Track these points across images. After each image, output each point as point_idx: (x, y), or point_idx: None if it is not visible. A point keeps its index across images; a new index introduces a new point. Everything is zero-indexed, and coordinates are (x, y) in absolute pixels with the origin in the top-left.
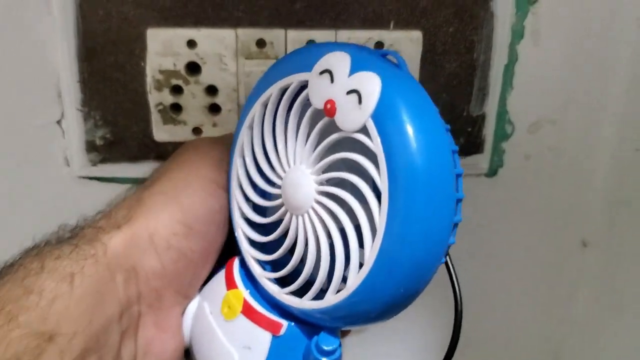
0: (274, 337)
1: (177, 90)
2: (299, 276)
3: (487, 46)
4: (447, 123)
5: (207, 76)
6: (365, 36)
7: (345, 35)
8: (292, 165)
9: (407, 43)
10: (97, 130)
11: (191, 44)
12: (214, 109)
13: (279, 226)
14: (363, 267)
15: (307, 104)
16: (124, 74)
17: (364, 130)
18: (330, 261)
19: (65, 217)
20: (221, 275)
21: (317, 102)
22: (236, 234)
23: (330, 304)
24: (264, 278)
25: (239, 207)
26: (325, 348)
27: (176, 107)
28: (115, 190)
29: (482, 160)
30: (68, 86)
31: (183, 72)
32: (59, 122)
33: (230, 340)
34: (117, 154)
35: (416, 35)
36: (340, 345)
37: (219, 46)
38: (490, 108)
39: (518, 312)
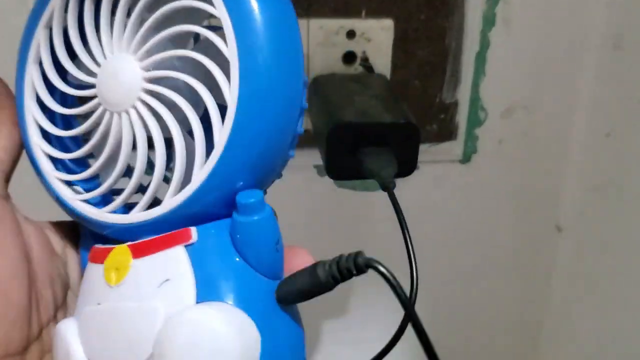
0: (187, 246)
1: None
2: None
3: (458, 33)
4: (420, 111)
5: None
6: (337, 24)
7: (317, 24)
8: (110, 55)
9: (379, 31)
10: None
11: None
12: None
13: (90, 136)
14: (209, 160)
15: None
16: None
17: None
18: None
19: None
20: (88, 268)
21: None
22: (40, 168)
23: (155, 215)
24: (105, 213)
25: (39, 127)
26: (246, 201)
27: None
28: None
29: (455, 147)
30: None
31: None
32: None
33: (139, 296)
34: None
35: (388, 23)
36: (263, 195)
37: None
38: (463, 95)
39: (494, 295)
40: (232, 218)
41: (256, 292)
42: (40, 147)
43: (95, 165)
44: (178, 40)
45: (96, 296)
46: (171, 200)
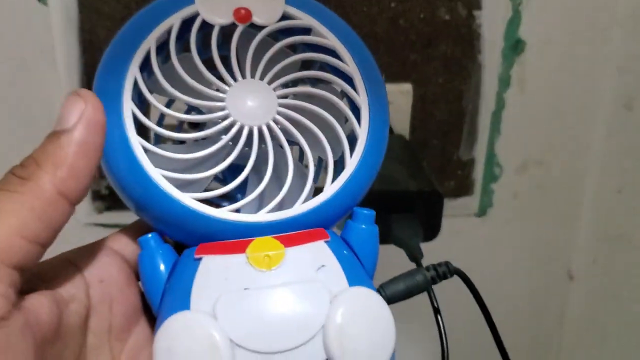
0: (327, 242)
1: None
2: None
3: (475, 95)
4: (438, 168)
5: None
6: None
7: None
8: (236, 81)
9: (398, 95)
10: (103, 180)
11: None
12: None
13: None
14: (343, 173)
15: (202, 32)
16: None
17: (286, 16)
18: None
19: None
20: (207, 261)
21: (223, 17)
22: (141, 165)
23: (295, 213)
24: (228, 212)
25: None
26: (366, 212)
27: None
28: None
29: (472, 202)
30: None
31: (186, 126)
32: None
33: (300, 278)
34: (122, 202)
35: (406, 87)
36: None
37: None
38: (479, 152)
39: (507, 341)
40: (347, 228)
41: (369, 279)
42: (141, 144)
43: (243, 174)
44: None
45: (241, 283)
46: (301, 206)
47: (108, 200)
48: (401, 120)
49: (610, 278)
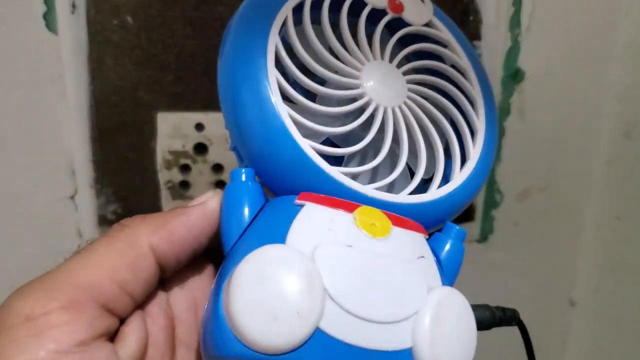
0: (426, 239)
1: (185, 168)
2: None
3: None
4: None
5: (214, 155)
6: None
7: None
8: (368, 61)
9: None
10: (109, 206)
11: (199, 126)
12: (221, 184)
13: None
14: (469, 162)
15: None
16: (135, 154)
17: (431, 24)
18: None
19: None
20: (311, 208)
21: (379, 1)
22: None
23: (431, 198)
24: (351, 180)
25: (306, 128)
26: (458, 228)
27: (185, 184)
28: None
29: (473, 228)
30: (82, 165)
31: (191, 152)
32: (72, 197)
33: (401, 259)
34: None
35: None
36: None
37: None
38: None
39: None
40: (437, 239)
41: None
42: (288, 113)
43: (383, 152)
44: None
45: (345, 239)
46: (408, 197)
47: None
48: None
49: (612, 305)
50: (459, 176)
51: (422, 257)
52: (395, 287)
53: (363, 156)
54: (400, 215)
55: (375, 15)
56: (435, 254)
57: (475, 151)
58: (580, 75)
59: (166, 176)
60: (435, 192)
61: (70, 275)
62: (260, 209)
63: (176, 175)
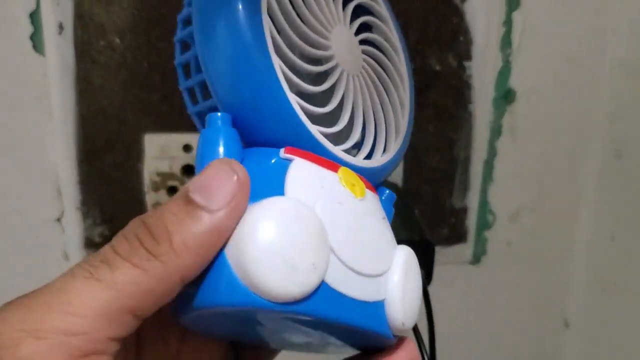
0: (380, 199)
1: (173, 190)
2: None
3: (467, 143)
4: (431, 215)
5: None
6: None
7: None
8: (332, 27)
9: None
10: (96, 228)
11: (187, 147)
12: None
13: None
14: (399, 134)
15: None
16: (122, 175)
17: None
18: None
19: None
20: (300, 164)
21: None
22: (294, 109)
23: (377, 164)
24: (326, 140)
25: (291, 82)
26: (388, 192)
27: None
28: None
29: (465, 249)
30: (68, 186)
31: (179, 174)
32: (58, 219)
33: (374, 219)
34: None
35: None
36: None
37: None
38: (472, 200)
39: None
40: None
41: None
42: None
43: (344, 118)
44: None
45: (336, 197)
46: (380, 159)
47: (100, 247)
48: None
49: (605, 325)
50: (394, 146)
51: (384, 217)
52: (376, 244)
53: (327, 120)
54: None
55: None
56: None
57: (403, 124)
58: (571, 95)
59: (154, 198)
60: (380, 159)
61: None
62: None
63: (164, 197)
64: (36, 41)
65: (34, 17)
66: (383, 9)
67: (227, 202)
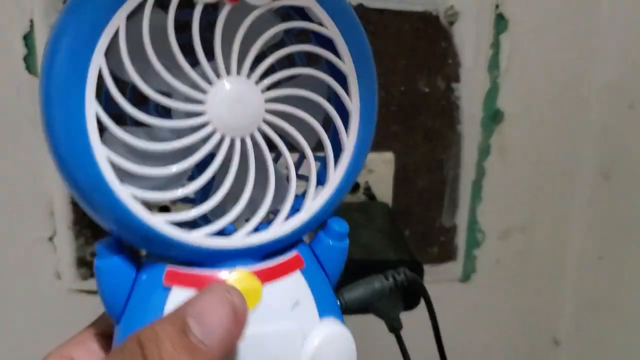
0: (302, 271)
1: (164, 209)
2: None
3: (455, 164)
4: (421, 234)
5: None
6: None
7: None
8: (219, 77)
9: (380, 164)
10: (88, 247)
11: None
12: None
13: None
14: (326, 188)
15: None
16: None
17: None
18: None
19: (57, 326)
20: (178, 294)
21: None
22: (105, 180)
23: (309, 215)
24: (204, 237)
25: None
26: (341, 230)
27: None
28: None
29: (455, 267)
30: (60, 206)
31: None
32: (51, 238)
33: (276, 319)
34: None
35: (388, 156)
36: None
37: None
38: (461, 219)
39: None
40: (318, 239)
41: (335, 302)
42: (107, 157)
43: (221, 191)
44: (283, 60)
45: None
46: (282, 227)
47: (93, 266)
48: (384, 188)
49: (595, 344)
50: (334, 176)
51: (297, 303)
52: (274, 356)
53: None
54: (273, 249)
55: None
56: (317, 257)
57: (349, 141)
58: (559, 115)
59: None
60: (309, 206)
61: None
62: (136, 281)
63: (154, 218)
64: (29, 62)
65: (28, 39)
66: (328, 27)
67: (222, 339)
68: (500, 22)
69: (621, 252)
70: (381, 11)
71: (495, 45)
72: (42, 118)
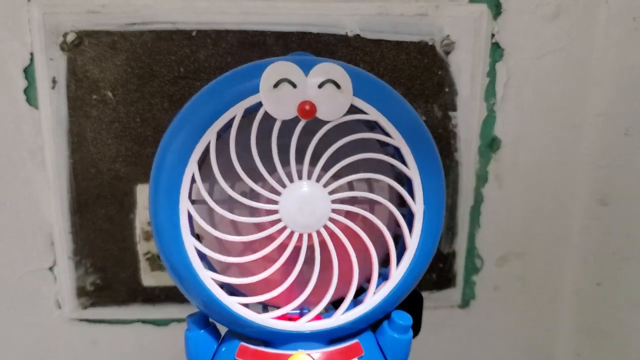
0: (360, 359)
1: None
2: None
3: (453, 190)
4: None
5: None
6: None
7: None
8: (291, 182)
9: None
10: (88, 277)
11: None
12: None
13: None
14: (388, 283)
15: (263, 123)
16: (114, 226)
17: (353, 110)
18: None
19: (57, 355)
20: None
21: (286, 112)
22: (192, 267)
23: (369, 308)
24: (269, 319)
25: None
26: (405, 323)
27: None
28: (105, 331)
29: (454, 294)
30: (60, 236)
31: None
32: (51, 268)
33: None
34: (107, 298)
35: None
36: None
37: None
38: (460, 245)
39: None
40: (382, 331)
41: None
42: (194, 246)
43: (288, 281)
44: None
45: None
46: (342, 317)
47: (93, 296)
48: None
49: None
50: (396, 273)
51: None
52: None
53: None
54: (335, 336)
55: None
56: (380, 347)
57: (412, 241)
58: (555, 142)
59: (145, 247)
60: (370, 300)
61: None
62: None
63: (155, 247)
64: (30, 95)
65: (28, 71)
66: (394, 138)
67: None
68: (496, 50)
69: (618, 279)
70: (378, 42)
71: (492, 74)
72: (149, 212)
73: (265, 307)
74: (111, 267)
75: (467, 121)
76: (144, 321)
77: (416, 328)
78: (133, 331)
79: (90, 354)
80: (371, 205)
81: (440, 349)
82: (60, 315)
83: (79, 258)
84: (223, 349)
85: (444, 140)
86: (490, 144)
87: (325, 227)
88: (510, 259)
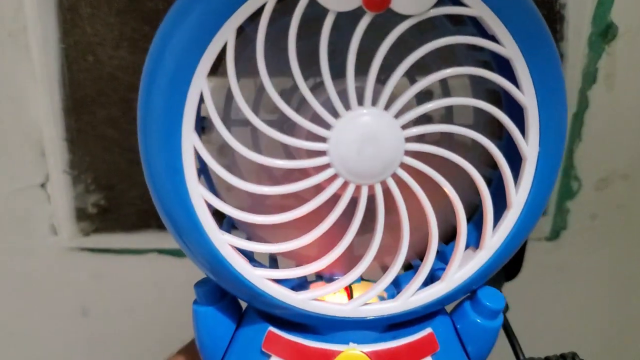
0: (434, 355)
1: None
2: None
3: None
4: None
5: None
6: None
7: None
8: (347, 109)
9: None
10: (89, 196)
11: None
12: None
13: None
14: (478, 255)
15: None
16: (119, 131)
17: (445, 1)
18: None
19: (54, 292)
20: None
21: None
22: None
23: (449, 288)
24: (313, 300)
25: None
26: (495, 307)
27: None
28: (111, 263)
29: (542, 223)
30: (53, 144)
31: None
32: (43, 185)
33: None
34: (113, 223)
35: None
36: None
37: None
38: None
39: None
40: (463, 312)
41: None
42: (203, 197)
43: (338, 249)
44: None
45: None
46: (410, 300)
47: (96, 220)
48: None
49: None
50: (492, 241)
51: None
52: None
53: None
54: (398, 321)
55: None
56: (459, 333)
57: (519, 196)
58: None
59: None
60: (453, 275)
61: None
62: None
63: None
64: None
65: None
66: (505, 45)
67: None
68: None
69: None
70: None
71: None
72: (140, 147)
73: (274, 261)
74: (118, 183)
75: (577, 2)
76: (160, 251)
77: (516, 267)
78: (146, 263)
79: (93, 290)
80: (450, 145)
81: (523, 288)
82: (56, 243)
83: (77, 172)
84: (243, 334)
85: (549, 25)
86: (603, 33)
87: (393, 175)
88: (613, 181)
